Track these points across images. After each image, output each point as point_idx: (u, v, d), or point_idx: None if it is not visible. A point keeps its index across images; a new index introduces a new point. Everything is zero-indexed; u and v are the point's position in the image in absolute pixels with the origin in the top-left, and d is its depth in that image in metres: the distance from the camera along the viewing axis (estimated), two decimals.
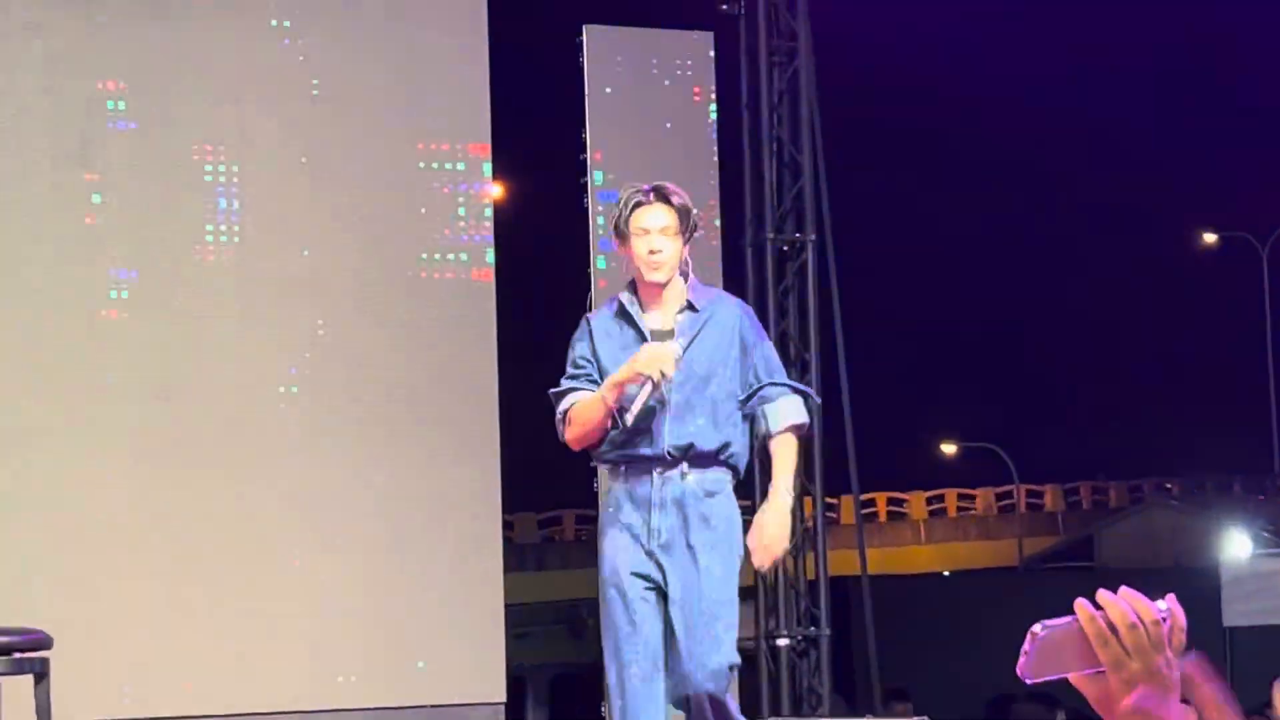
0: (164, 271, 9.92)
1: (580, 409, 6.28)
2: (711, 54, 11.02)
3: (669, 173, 10.25)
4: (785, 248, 11.65)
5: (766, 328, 11.09)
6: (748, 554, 6.31)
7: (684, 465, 6.18)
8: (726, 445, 6.23)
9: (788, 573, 11.58)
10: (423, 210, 10.41)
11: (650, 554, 6.15)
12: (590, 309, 10.60)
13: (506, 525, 10.85)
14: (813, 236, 11.58)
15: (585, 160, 10.65)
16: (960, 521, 41.24)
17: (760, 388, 6.31)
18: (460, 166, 10.47)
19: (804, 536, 11.63)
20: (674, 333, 6.22)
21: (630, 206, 6.17)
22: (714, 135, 10.99)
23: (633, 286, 6.35)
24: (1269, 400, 30.43)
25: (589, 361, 6.36)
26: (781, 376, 6.47)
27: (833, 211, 11.62)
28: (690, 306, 6.29)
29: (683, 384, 6.16)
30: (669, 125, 10.89)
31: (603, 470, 6.72)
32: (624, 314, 6.31)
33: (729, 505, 6.28)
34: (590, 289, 10.48)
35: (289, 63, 10.22)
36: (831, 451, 11.64)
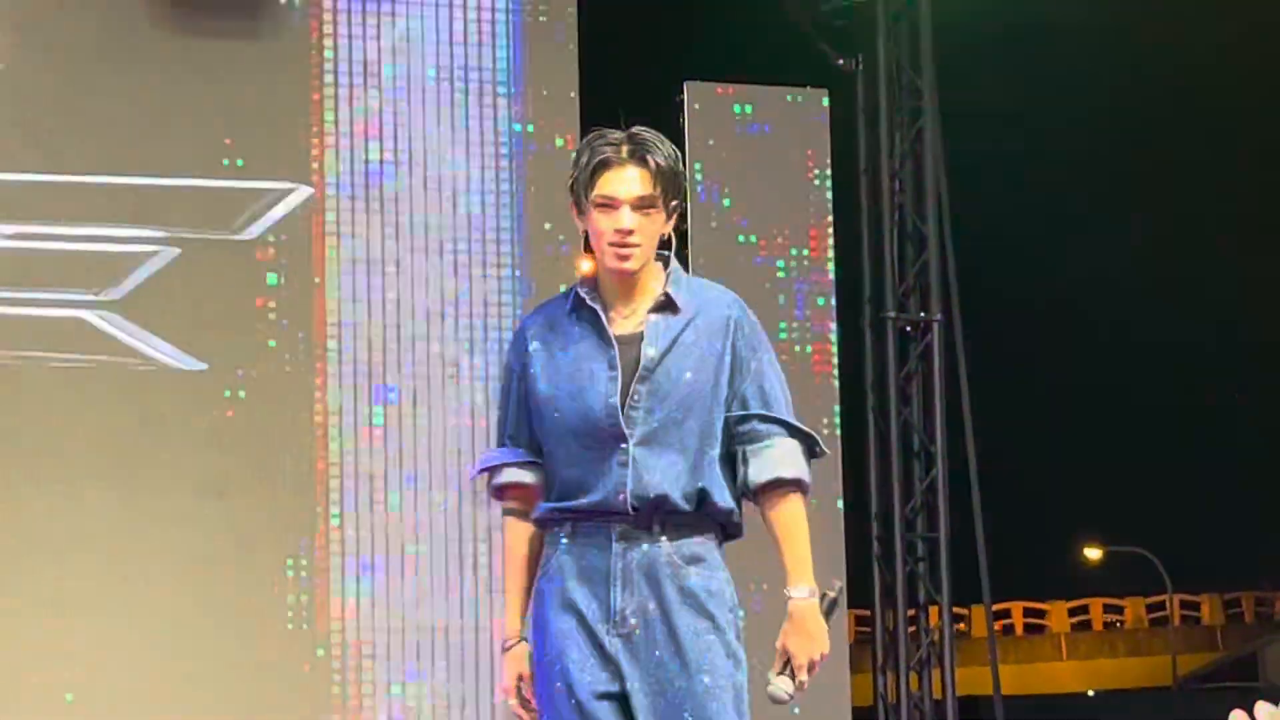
0: None
1: (507, 541, 4.78)
2: (825, 113, 10.82)
3: (778, 242, 10.55)
4: (908, 328, 11.24)
5: (886, 417, 11.08)
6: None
7: (654, 523, 4.52)
8: (707, 494, 4.54)
9: (912, 692, 11.12)
10: None
11: (609, 656, 4.48)
12: None
13: None
14: (939, 316, 11.15)
15: (687, 232, 10.33)
16: (1107, 635, 40.88)
17: (746, 419, 4.60)
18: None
19: (930, 651, 11.16)
20: (642, 337, 4.57)
21: (592, 166, 4.53)
22: (828, 202, 10.73)
23: (593, 278, 4.73)
24: None
25: (518, 406, 4.76)
26: (781, 409, 4.66)
27: (961, 288, 11.19)
28: (668, 303, 4.59)
29: (651, 411, 4.51)
30: (777, 190, 10.65)
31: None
32: (582, 311, 4.67)
33: (719, 579, 4.55)
34: None
35: None
36: (960, 555, 11.13)
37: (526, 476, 4.73)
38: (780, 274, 10.58)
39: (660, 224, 4.53)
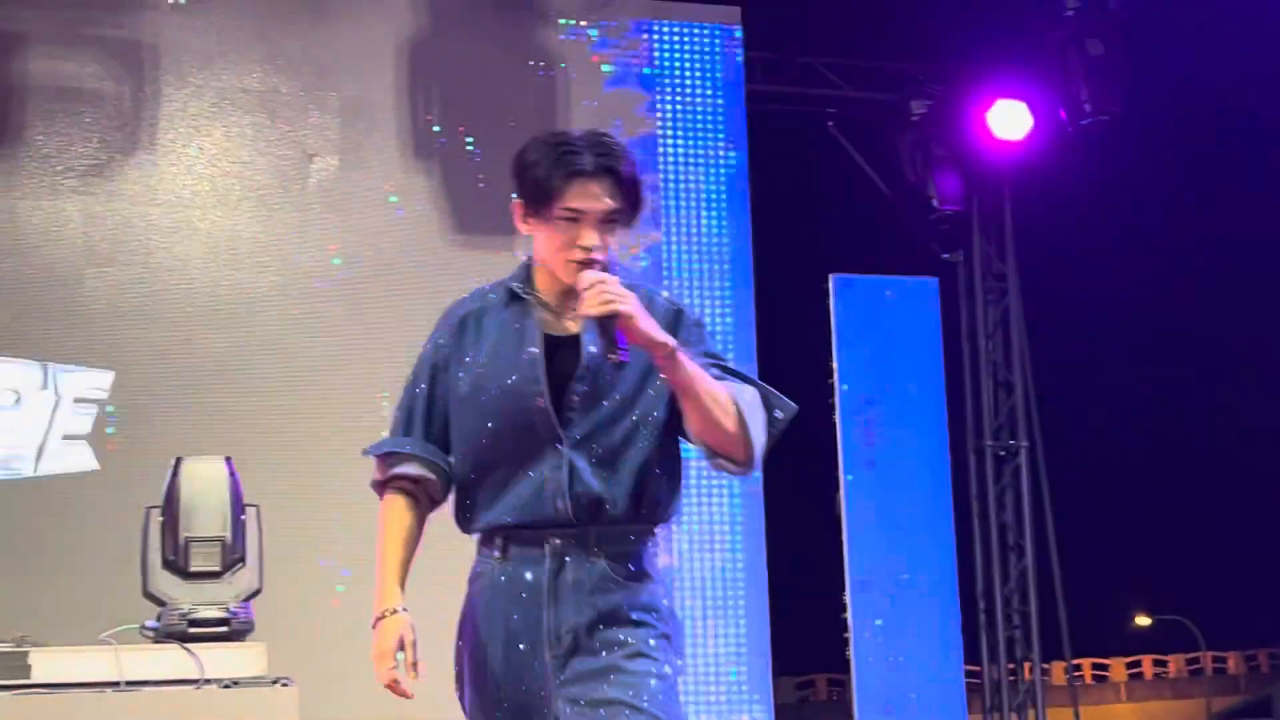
0: None
1: (388, 515, 3.73)
2: (937, 295, 10.94)
3: (902, 394, 10.62)
4: (1002, 453, 11.48)
5: (986, 520, 11.35)
6: None
7: (591, 535, 3.58)
8: (649, 499, 3.64)
9: None
10: None
11: (539, 677, 3.55)
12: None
13: None
14: (1025, 443, 11.40)
15: (832, 384, 10.50)
16: (1155, 683, 40.54)
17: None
18: None
19: (1025, 697, 11.35)
20: (578, 340, 3.64)
21: (565, 170, 3.53)
22: (940, 360, 10.86)
23: (526, 269, 3.77)
24: None
25: (429, 402, 3.76)
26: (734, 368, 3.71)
27: (1042, 421, 11.42)
28: None
29: (588, 411, 3.59)
30: (903, 354, 10.72)
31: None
32: (516, 308, 3.73)
33: (655, 594, 3.64)
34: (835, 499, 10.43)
35: None
36: (1046, 623, 11.33)
37: (429, 476, 3.73)
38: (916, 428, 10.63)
39: (616, 238, 3.65)
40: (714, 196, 10.37)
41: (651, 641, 3.54)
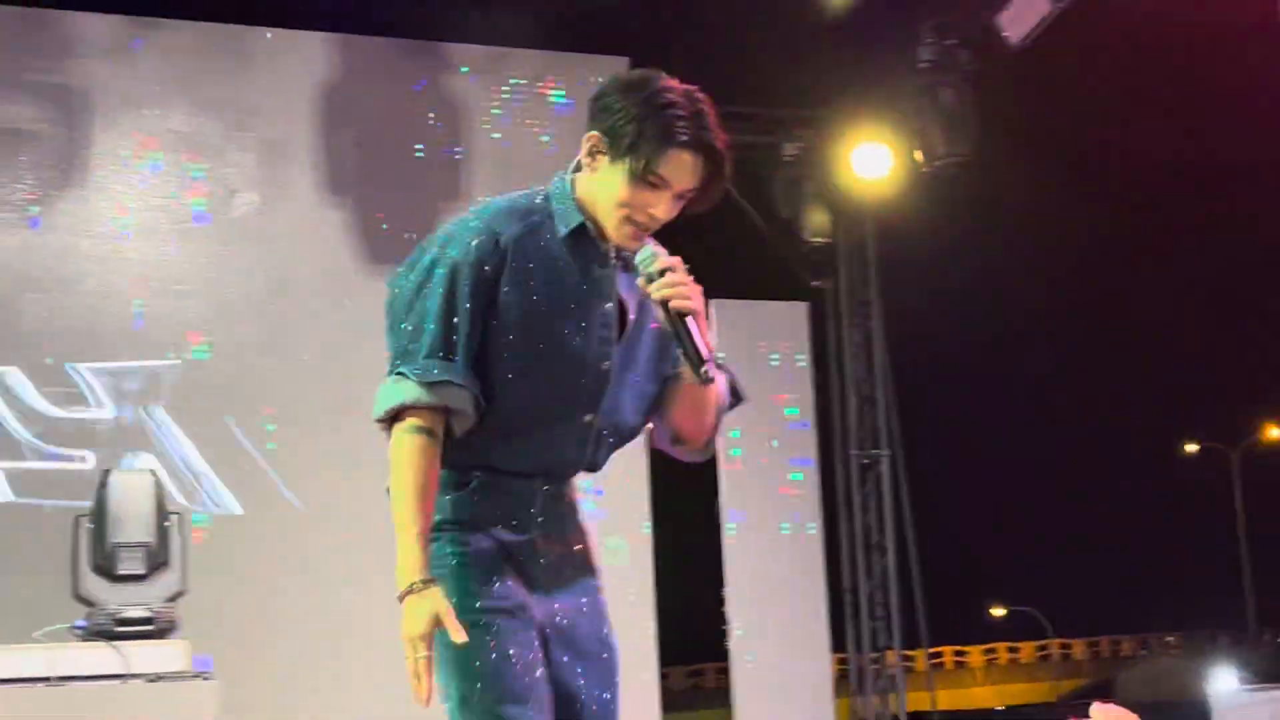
0: None
1: (417, 463, 3.01)
2: (807, 318, 11.08)
3: (774, 409, 10.70)
4: (866, 461, 11.53)
5: (852, 521, 11.34)
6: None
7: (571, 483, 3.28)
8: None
9: (877, 710, 11.40)
10: None
11: (528, 583, 3.21)
12: None
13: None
14: (886, 453, 11.47)
15: None
16: (1010, 668, 41.03)
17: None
18: None
19: (888, 682, 11.43)
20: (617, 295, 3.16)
21: (670, 136, 2.98)
22: (809, 377, 10.96)
23: (575, 202, 3.13)
24: (1241, 573, 30.75)
25: (471, 324, 3.04)
26: None
27: (904, 432, 11.49)
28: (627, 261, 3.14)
29: (616, 380, 3.16)
30: (776, 372, 10.84)
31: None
32: (582, 246, 3.11)
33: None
34: (715, 503, 10.47)
35: None
36: (907, 614, 11.40)
37: (468, 409, 3.05)
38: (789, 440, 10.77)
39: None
40: None
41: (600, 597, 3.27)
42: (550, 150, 10.23)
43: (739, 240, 11.31)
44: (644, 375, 3.23)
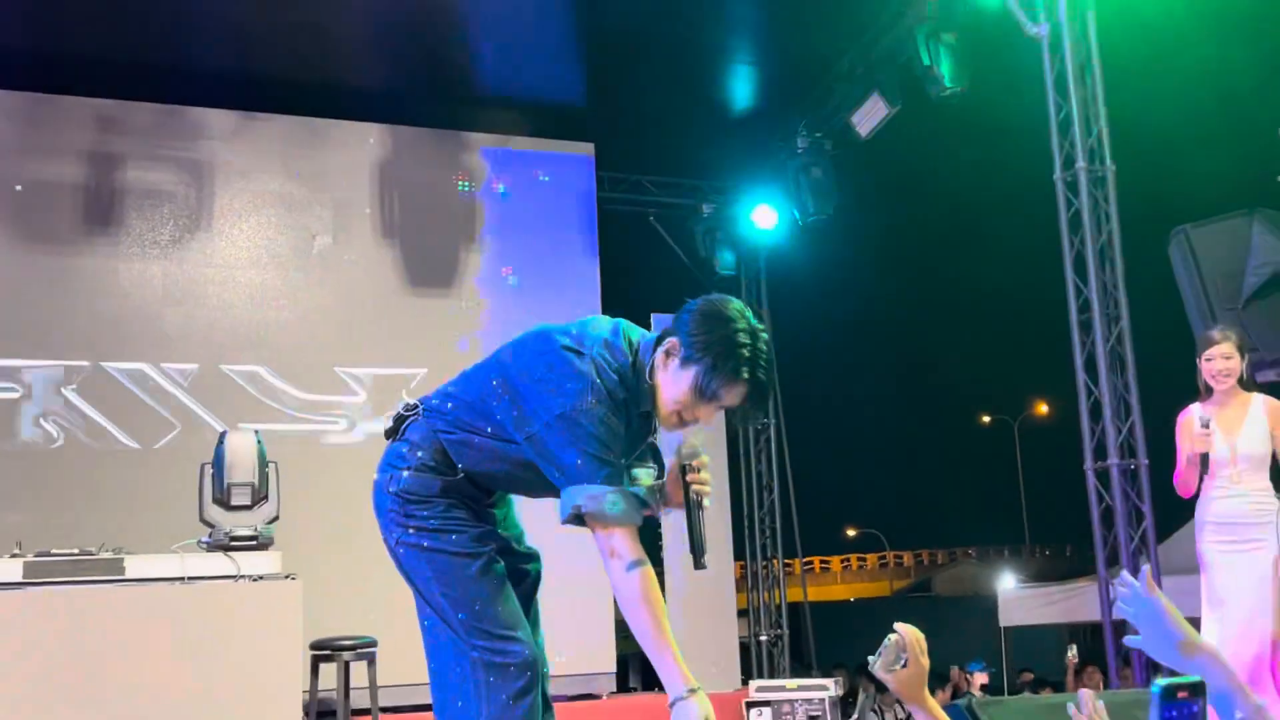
0: None
1: (654, 592, 2.74)
2: None
3: None
4: (759, 427, 11.57)
5: (749, 472, 11.38)
6: None
7: None
8: None
9: (766, 602, 11.42)
10: None
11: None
12: None
13: None
14: (773, 420, 11.51)
15: None
16: (858, 572, 41.35)
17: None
18: None
19: (774, 581, 11.46)
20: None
21: (740, 385, 2.74)
22: None
23: (651, 388, 2.84)
24: (1020, 505, 31.16)
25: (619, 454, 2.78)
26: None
27: (786, 405, 11.58)
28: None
29: None
30: None
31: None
32: (644, 423, 2.89)
33: None
34: None
35: None
36: (787, 534, 11.40)
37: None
38: None
39: None
40: (576, 261, 10.35)
41: None
42: (541, 202, 10.21)
43: (672, 271, 11.46)
44: None
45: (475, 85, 9.74)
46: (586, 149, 10.56)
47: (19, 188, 8.78)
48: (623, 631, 10.33)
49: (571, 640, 9.41)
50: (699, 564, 2.80)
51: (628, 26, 8.91)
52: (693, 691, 2.64)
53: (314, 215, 9.63)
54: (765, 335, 2.81)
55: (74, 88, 8.85)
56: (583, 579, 9.72)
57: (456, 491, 2.99)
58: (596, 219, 10.50)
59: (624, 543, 2.74)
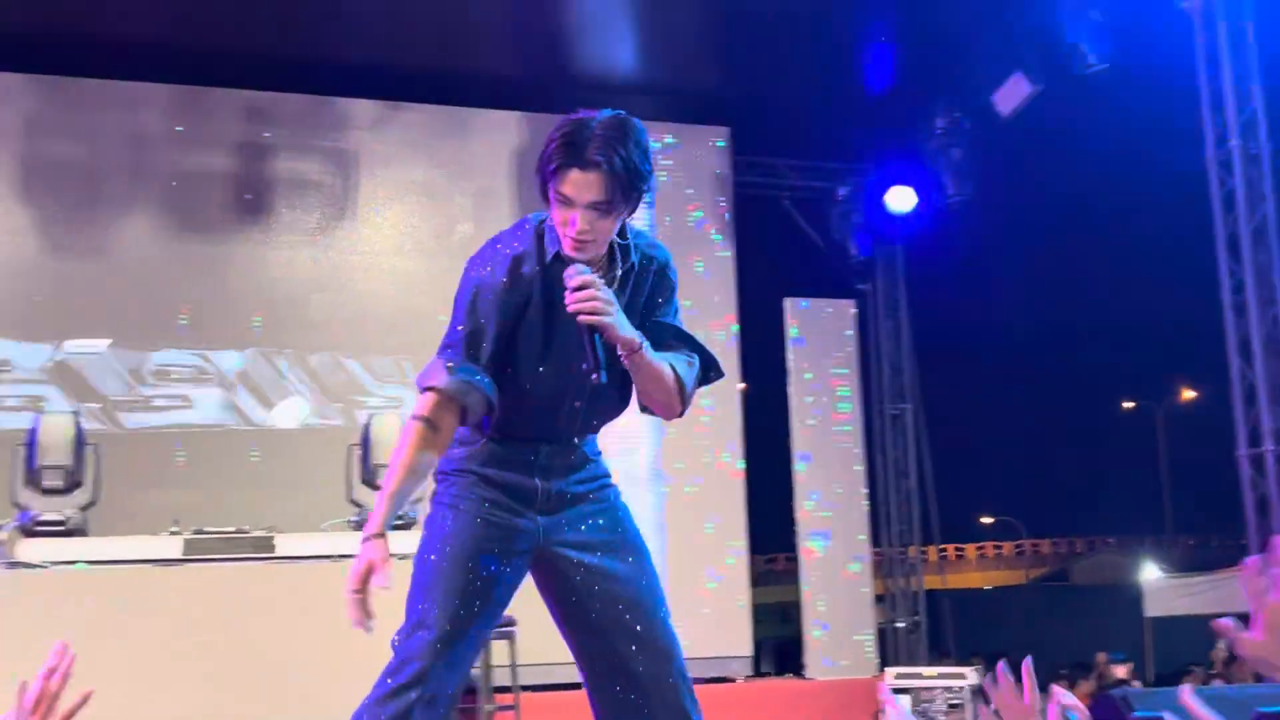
0: None
1: (414, 443, 2.65)
2: (854, 310, 10.84)
3: (830, 375, 10.36)
4: (895, 412, 11.38)
5: (886, 457, 11.14)
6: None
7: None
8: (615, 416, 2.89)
9: (903, 587, 11.28)
10: None
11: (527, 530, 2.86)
12: None
13: None
14: (910, 406, 11.31)
15: (788, 368, 10.35)
16: (994, 560, 40.63)
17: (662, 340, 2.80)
18: None
19: (910, 567, 11.31)
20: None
21: (564, 159, 2.58)
22: (856, 353, 10.73)
23: (551, 229, 2.70)
24: (1163, 494, 30.28)
25: (498, 332, 2.70)
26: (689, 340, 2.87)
27: (923, 391, 11.35)
28: (615, 266, 2.75)
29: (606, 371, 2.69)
30: (831, 349, 10.60)
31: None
32: (559, 267, 2.67)
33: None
34: (788, 441, 10.39)
35: None
36: (925, 520, 11.25)
37: (482, 411, 2.69)
38: (841, 397, 10.52)
39: (614, 221, 2.64)
40: (711, 245, 10.31)
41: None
42: (677, 186, 10.22)
43: (807, 256, 11.28)
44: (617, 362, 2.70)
45: (612, 70, 9.73)
46: (722, 133, 10.49)
47: (175, 183, 9.02)
48: (759, 616, 10.35)
49: (706, 624, 9.38)
50: (594, 376, 2.60)
51: (764, 9, 8.81)
52: (379, 537, 2.59)
53: (455, 203, 9.74)
54: (595, 117, 2.60)
55: (226, 80, 9.08)
56: (719, 564, 9.74)
57: None
58: (732, 203, 10.40)
59: (421, 401, 2.68)
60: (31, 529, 6.15)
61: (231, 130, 9.17)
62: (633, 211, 2.67)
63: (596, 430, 2.85)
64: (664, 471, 9.72)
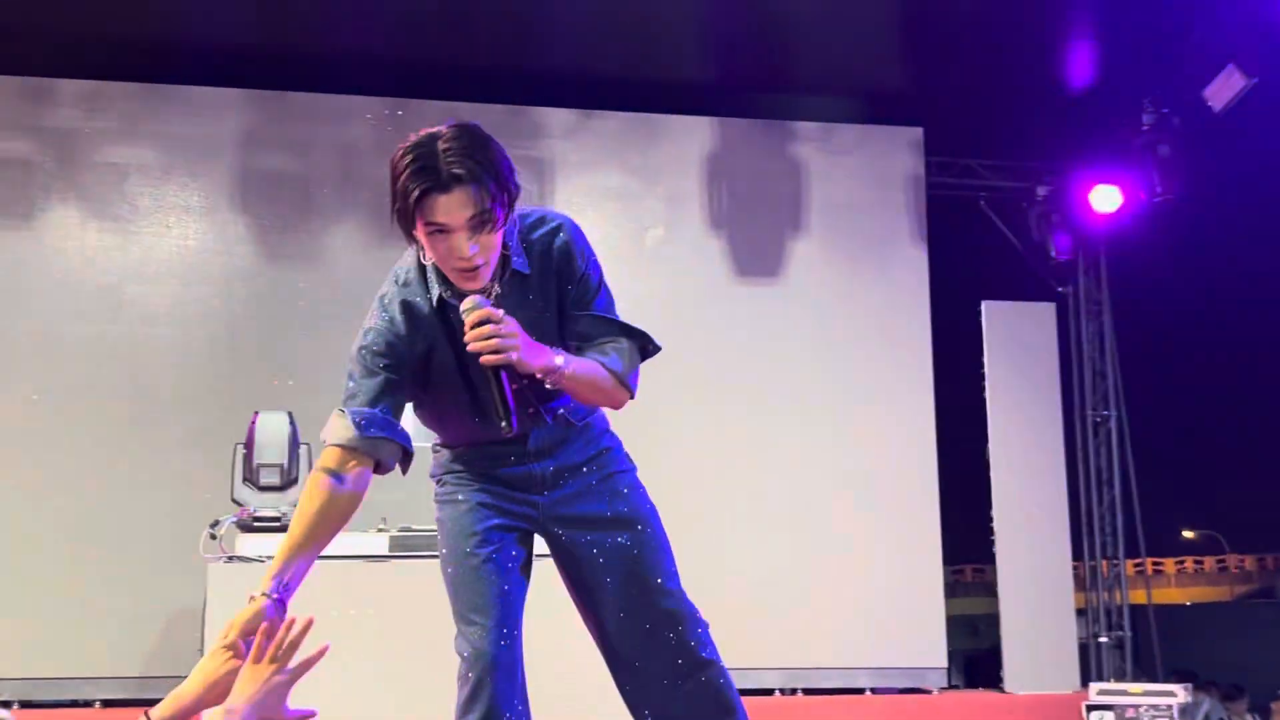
0: None
1: (320, 498, 2.64)
2: (1054, 314, 10.54)
3: (1029, 382, 10.08)
4: (1098, 420, 11.00)
5: (1088, 466, 10.74)
6: None
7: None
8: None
9: (1105, 601, 10.89)
10: None
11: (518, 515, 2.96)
12: None
13: None
14: (1113, 413, 10.91)
15: (983, 374, 10.15)
16: (1195, 575, 38.90)
17: (588, 328, 2.83)
18: None
19: (1113, 581, 10.92)
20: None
21: (420, 189, 2.47)
22: (1056, 357, 10.43)
23: (423, 267, 2.69)
24: None
25: (387, 383, 2.67)
26: (612, 313, 2.88)
27: (1127, 397, 10.90)
28: (513, 276, 2.70)
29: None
30: (1030, 354, 10.27)
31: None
32: (443, 310, 2.66)
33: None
34: (985, 449, 10.11)
35: None
36: (1129, 533, 10.83)
37: (397, 460, 2.74)
38: (1040, 404, 10.20)
39: (498, 232, 2.54)
40: (904, 248, 10.14)
41: None
42: (868, 188, 10.09)
43: (1004, 258, 11.01)
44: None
45: (801, 73, 9.69)
46: (914, 133, 10.30)
47: (380, 192, 9.29)
48: (954, 628, 10.12)
49: (901, 634, 9.21)
50: (501, 425, 2.50)
51: (958, 4, 8.62)
52: (264, 596, 2.48)
53: (647, 208, 9.80)
54: (433, 135, 2.47)
55: (429, 92, 9.34)
56: (912, 574, 9.55)
57: None
58: (925, 204, 10.19)
59: (325, 454, 2.66)
60: (249, 524, 6.41)
61: None
62: (509, 213, 2.53)
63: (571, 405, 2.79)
64: (853, 480, 9.53)
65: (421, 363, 2.65)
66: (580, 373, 2.63)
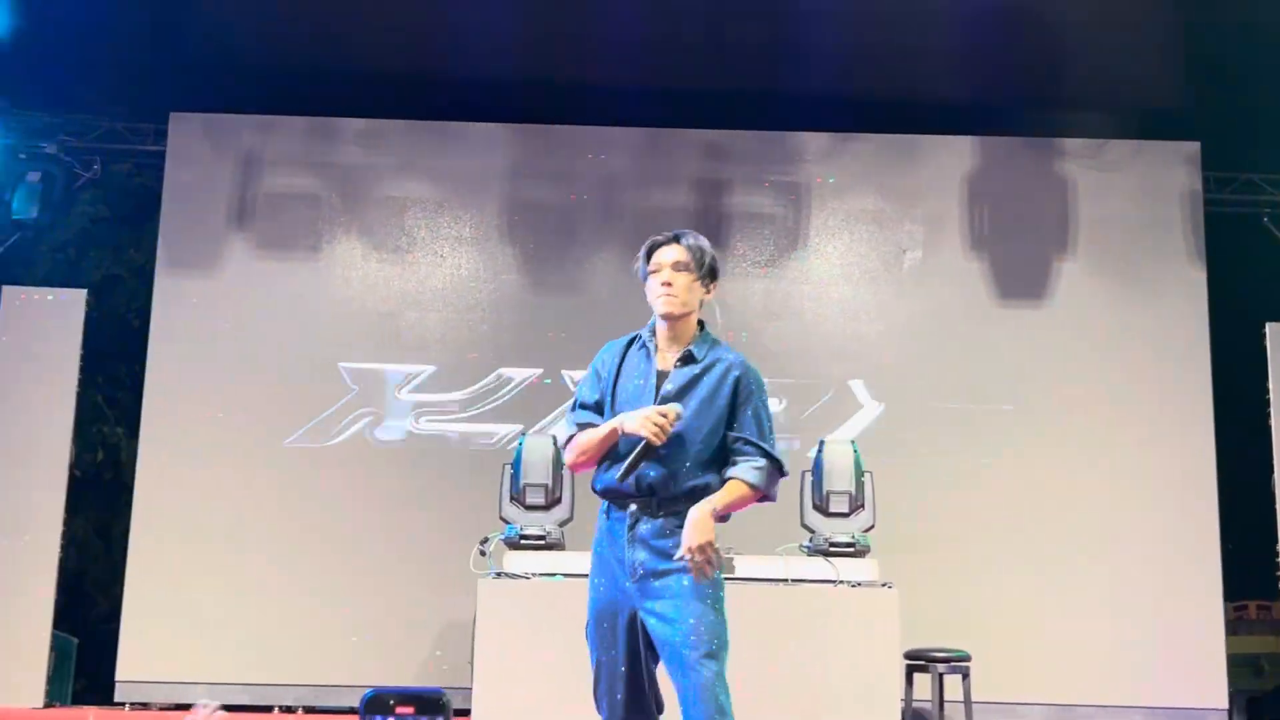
0: None
1: (584, 437, 3.62)
2: None
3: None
4: None
5: None
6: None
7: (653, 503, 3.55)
8: (696, 485, 3.56)
9: None
10: None
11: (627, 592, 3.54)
12: None
13: None
14: None
15: (1269, 399, 9.44)
16: None
17: (738, 439, 3.61)
18: None
19: None
20: (668, 375, 3.63)
21: (647, 249, 3.75)
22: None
23: (653, 325, 3.74)
24: None
25: (597, 400, 3.70)
26: (761, 439, 3.64)
27: None
28: (690, 357, 3.64)
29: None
30: None
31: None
32: (643, 347, 3.71)
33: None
34: (1271, 480, 9.43)
35: None
36: None
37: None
38: None
39: (693, 284, 3.67)
40: (1180, 268, 9.65)
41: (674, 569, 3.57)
42: (1140, 206, 9.67)
43: None
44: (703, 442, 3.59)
45: (1068, 89, 9.36)
46: (1191, 148, 9.79)
47: (639, 220, 9.47)
48: (1236, 667, 9.47)
49: (1178, 673, 8.80)
50: (622, 478, 3.53)
51: (1238, 15, 8.15)
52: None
53: (904, 230, 9.67)
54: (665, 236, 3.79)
55: (685, 120, 9.49)
56: (1190, 610, 9.01)
57: None
58: (1203, 222, 9.69)
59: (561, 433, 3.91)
60: (516, 542, 6.68)
61: (692, 167, 9.56)
62: (708, 287, 3.73)
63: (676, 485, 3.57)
64: (1125, 511, 9.14)
65: (616, 389, 3.76)
66: (731, 503, 3.62)
